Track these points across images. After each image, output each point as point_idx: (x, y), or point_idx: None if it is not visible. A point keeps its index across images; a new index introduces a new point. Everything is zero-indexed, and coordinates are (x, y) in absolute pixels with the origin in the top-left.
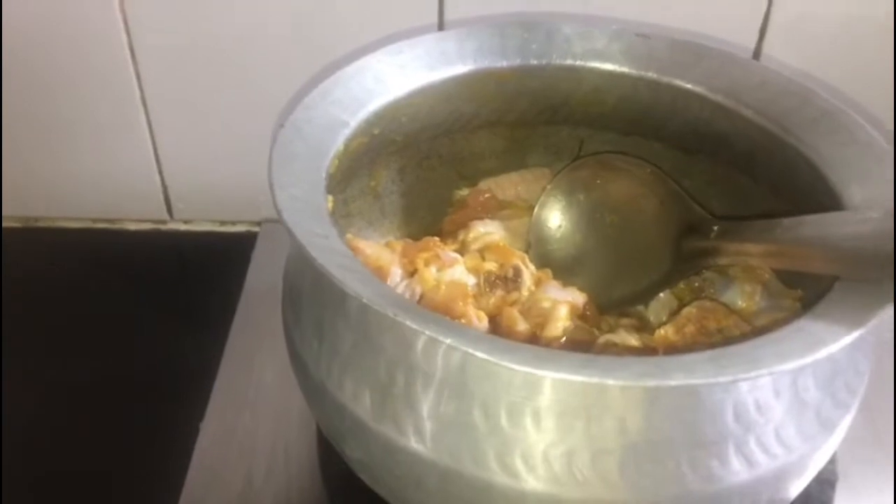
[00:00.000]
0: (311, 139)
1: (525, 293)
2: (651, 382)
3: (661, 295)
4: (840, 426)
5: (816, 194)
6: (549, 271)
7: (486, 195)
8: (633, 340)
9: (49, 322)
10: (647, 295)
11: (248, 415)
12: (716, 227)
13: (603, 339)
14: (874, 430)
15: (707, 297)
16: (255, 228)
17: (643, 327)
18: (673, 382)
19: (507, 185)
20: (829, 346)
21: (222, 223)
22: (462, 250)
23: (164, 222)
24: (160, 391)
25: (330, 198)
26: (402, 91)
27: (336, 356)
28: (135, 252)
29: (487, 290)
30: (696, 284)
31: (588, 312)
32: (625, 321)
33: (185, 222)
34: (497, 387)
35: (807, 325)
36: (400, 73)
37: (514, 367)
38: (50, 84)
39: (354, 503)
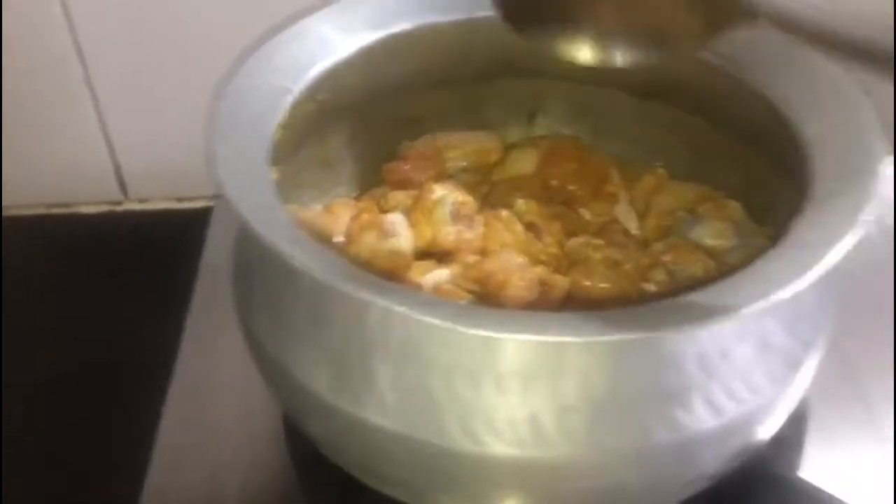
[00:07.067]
0: (253, 109)
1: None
2: (610, 337)
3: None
4: (808, 366)
5: (774, 132)
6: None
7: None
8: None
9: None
10: None
11: (211, 397)
12: None
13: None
14: (841, 363)
15: (676, 236)
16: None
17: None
18: (631, 336)
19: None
20: (783, 291)
21: (180, 199)
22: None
23: (119, 203)
24: (120, 378)
25: (275, 169)
26: (346, 52)
27: (290, 332)
28: (91, 236)
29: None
30: (666, 223)
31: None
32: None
33: (141, 201)
34: (455, 353)
35: (767, 267)
36: (343, 33)
37: (471, 332)
38: None
39: (324, 480)
